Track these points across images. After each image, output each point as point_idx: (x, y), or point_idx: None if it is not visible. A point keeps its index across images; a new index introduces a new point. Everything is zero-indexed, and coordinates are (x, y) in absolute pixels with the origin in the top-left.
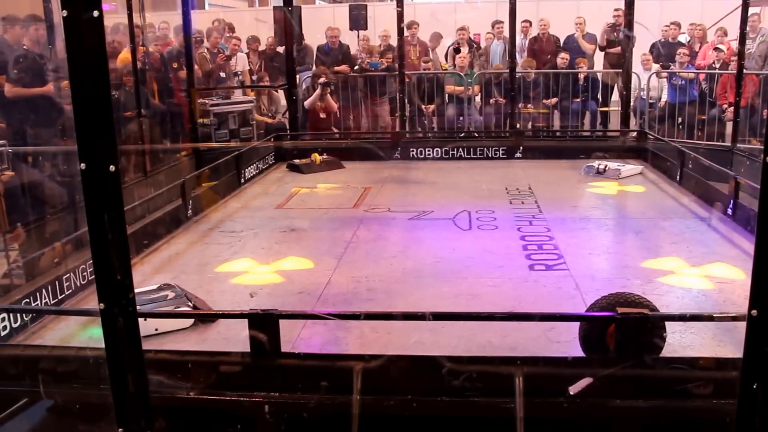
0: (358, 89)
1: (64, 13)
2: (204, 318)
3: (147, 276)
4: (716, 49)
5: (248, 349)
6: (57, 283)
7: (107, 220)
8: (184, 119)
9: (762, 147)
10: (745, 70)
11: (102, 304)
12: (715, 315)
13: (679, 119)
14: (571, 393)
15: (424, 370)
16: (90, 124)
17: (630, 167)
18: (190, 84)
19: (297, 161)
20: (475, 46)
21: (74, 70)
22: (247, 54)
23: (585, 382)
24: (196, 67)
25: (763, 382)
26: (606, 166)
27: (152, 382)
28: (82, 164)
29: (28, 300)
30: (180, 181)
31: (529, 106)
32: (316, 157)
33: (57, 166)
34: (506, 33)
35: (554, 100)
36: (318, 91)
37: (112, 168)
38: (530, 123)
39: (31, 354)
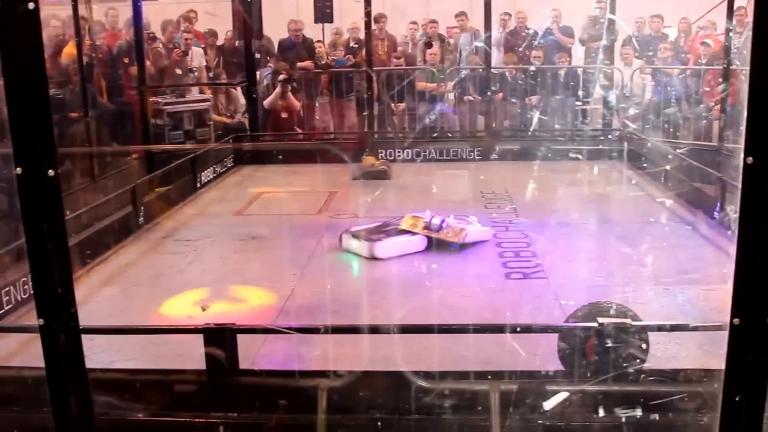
0: (321, 87)
1: None
2: (157, 333)
3: (94, 288)
4: (703, 43)
5: (204, 367)
6: None
7: (46, 229)
8: (135, 119)
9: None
10: (732, 66)
11: (41, 320)
12: (698, 324)
13: (664, 117)
14: (548, 408)
15: (393, 386)
16: (26, 126)
17: (478, 229)
18: (142, 81)
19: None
20: (446, 40)
21: (8, 68)
22: (204, 49)
23: (562, 396)
24: (148, 63)
25: (747, 394)
26: (443, 223)
27: (99, 404)
28: (18, 169)
29: None
30: (130, 186)
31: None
32: (371, 161)
33: None
34: (473, 24)
35: (535, 98)
36: (278, 88)
37: (51, 172)
38: (507, 122)
39: None
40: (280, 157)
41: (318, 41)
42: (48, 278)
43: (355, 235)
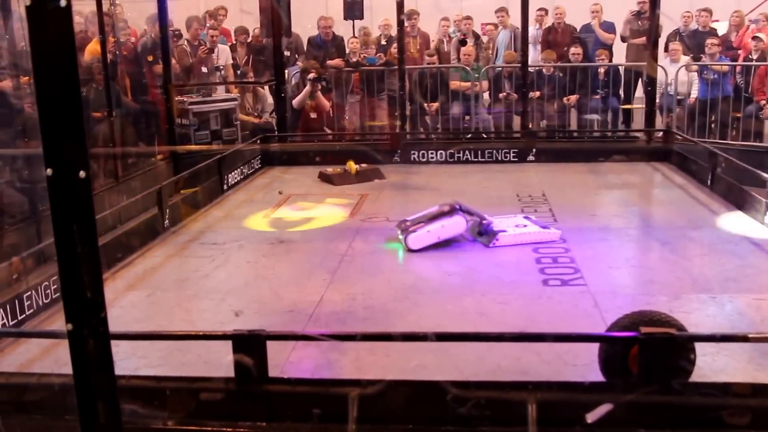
0: (352, 86)
1: (27, 1)
2: (184, 339)
3: (119, 293)
4: (755, 38)
5: (232, 374)
6: (16, 302)
7: (76, 232)
8: (160, 119)
9: None
10: None
11: (70, 325)
12: (750, 335)
13: (711, 117)
14: (589, 421)
15: (427, 396)
16: (58, 126)
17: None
18: (167, 80)
19: (329, 170)
20: (480, 37)
21: (39, 66)
22: (233, 46)
23: (604, 409)
24: (173, 61)
25: None
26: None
27: (125, 412)
28: (48, 170)
29: None
30: (156, 188)
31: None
32: (352, 166)
33: (16, 171)
34: (512, 21)
35: (574, 98)
36: (307, 87)
37: (82, 174)
38: (544, 122)
39: None
40: (318, 159)
41: (354, 37)
42: (77, 282)
43: (401, 228)
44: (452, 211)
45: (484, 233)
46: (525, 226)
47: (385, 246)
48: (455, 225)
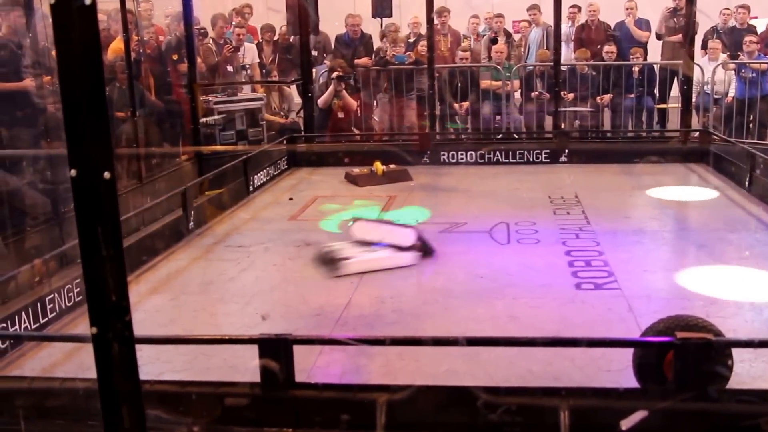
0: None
1: None
2: (209, 343)
3: (142, 296)
4: None
5: (258, 379)
6: (38, 305)
7: (101, 234)
8: (184, 119)
9: None
10: None
11: (94, 329)
12: None
13: (749, 117)
14: (624, 429)
15: (457, 402)
16: (82, 126)
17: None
18: (192, 79)
19: (355, 171)
20: (512, 35)
21: (64, 65)
22: (259, 45)
23: (639, 416)
24: (198, 60)
25: None
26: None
27: (149, 417)
28: (72, 171)
29: (4, 325)
30: (180, 189)
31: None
32: (378, 167)
33: (38, 172)
34: (545, 19)
35: (607, 97)
36: (332, 87)
37: (107, 175)
38: (577, 122)
39: (8, 386)
40: (347, 160)
41: (382, 34)
42: (102, 285)
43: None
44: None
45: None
46: (378, 250)
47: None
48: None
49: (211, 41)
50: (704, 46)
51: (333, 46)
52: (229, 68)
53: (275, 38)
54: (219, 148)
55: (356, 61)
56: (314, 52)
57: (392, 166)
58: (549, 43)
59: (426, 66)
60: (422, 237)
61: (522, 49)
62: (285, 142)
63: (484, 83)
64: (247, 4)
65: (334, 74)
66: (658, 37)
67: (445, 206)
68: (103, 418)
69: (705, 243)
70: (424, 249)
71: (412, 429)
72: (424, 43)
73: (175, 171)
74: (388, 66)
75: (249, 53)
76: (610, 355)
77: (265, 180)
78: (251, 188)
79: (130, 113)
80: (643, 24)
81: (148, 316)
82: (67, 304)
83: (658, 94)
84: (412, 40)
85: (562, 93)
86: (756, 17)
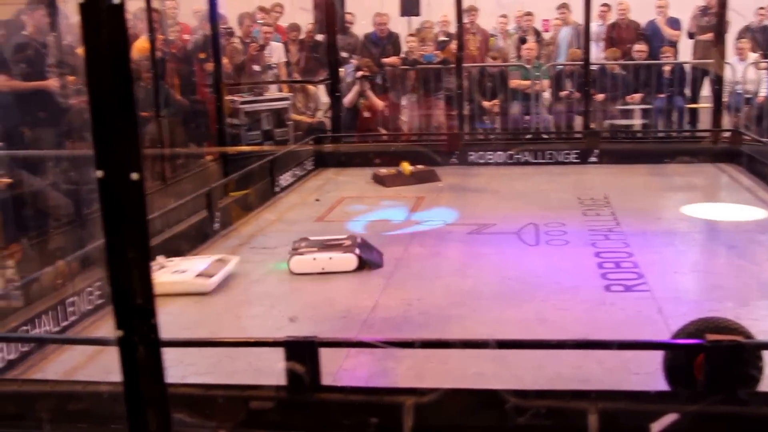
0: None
1: None
2: (235, 346)
3: (166, 298)
4: None
5: (284, 382)
6: (60, 307)
7: (128, 236)
8: (209, 119)
9: None
10: None
11: (120, 332)
12: None
13: None
14: None
15: (485, 405)
16: (110, 127)
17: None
18: (218, 78)
19: (383, 171)
20: (541, 34)
21: (92, 65)
22: (286, 44)
23: (669, 419)
24: (225, 59)
25: None
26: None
27: (173, 421)
28: (99, 172)
29: (26, 327)
30: (205, 190)
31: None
32: (406, 168)
33: (61, 172)
34: (574, 18)
35: (638, 96)
36: (356, 86)
37: (134, 176)
38: (607, 122)
39: (31, 390)
40: (378, 161)
41: (411, 35)
42: (128, 288)
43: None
44: (349, 247)
45: None
46: (184, 272)
47: (273, 266)
48: (345, 262)
49: (237, 40)
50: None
51: (361, 45)
52: (256, 67)
53: (301, 37)
54: (245, 148)
55: (384, 60)
56: (344, 54)
57: (420, 166)
58: (579, 42)
59: (454, 65)
60: (365, 253)
61: (552, 48)
62: (311, 142)
63: (513, 82)
64: (278, 3)
65: (359, 74)
66: (690, 35)
67: (473, 207)
68: (128, 422)
69: (735, 244)
70: (367, 264)
71: None
72: (454, 42)
73: (200, 171)
74: (416, 65)
75: (276, 52)
76: (639, 357)
77: (291, 181)
78: (277, 189)
79: (154, 113)
80: (674, 23)
81: (173, 318)
82: (88, 308)
83: (689, 94)
84: (441, 39)
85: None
86: None
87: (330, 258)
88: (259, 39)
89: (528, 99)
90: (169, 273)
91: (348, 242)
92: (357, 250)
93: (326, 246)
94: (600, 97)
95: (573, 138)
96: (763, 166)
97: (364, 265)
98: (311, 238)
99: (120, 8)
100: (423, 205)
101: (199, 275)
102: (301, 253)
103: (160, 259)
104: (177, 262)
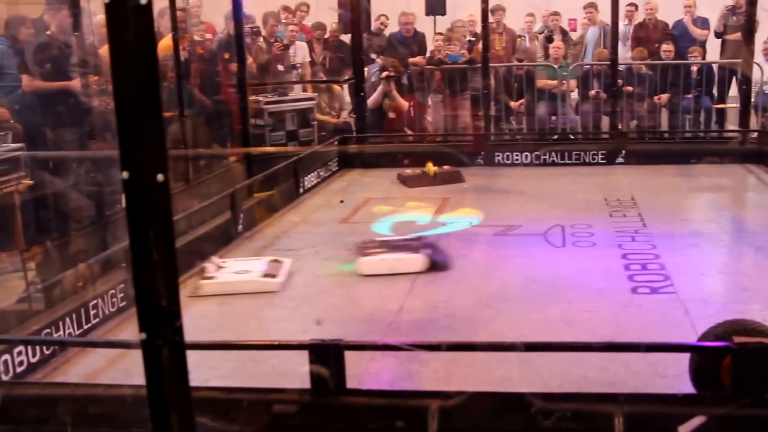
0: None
1: None
2: (259, 349)
3: (189, 301)
4: None
5: (308, 386)
6: (82, 310)
7: (153, 238)
8: (233, 119)
9: None
10: None
11: (144, 334)
12: None
13: None
14: None
15: (511, 408)
16: (136, 128)
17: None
18: (242, 78)
19: (407, 172)
20: (568, 34)
21: (118, 66)
22: (310, 43)
23: (696, 422)
24: (250, 59)
25: None
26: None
27: (196, 424)
28: (124, 173)
29: (48, 330)
30: (229, 191)
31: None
32: (431, 168)
33: (83, 174)
34: (602, 18)
35: (665, 97)
36: (380, 87)
37: (160, 177)
38: (634, 123)
39: (53, 393)
40: (406, 162)
41: (437, 34)
42: (153, 290)
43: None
44: (417, 248)
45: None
46: (247, 272)
47: (340, 268)
48: (413, 262)
49: (261, 40)
50: None
51: (386, 45)
52: (280, 67)
53: (326, 36)
54: (269, 149)
55: (410, 60)
56: (373, 56)
57: (446, 167)
58: (606, 42)
59: (480, 65)
60: (435, 255)
61: (580, 47)
62: (336, 143)
63: (540, 82)
64: (303, 2)
65: (384, 74)
66: (717, 35)
67: (500, 208)
68: (152, 425)
69: (763, 245)
70: (437, 266)
71: None
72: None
73: (224, 172)
74: (442, 65)
75: (300, 52)
76: (666, 360)
77: (315, 182)
78: (301, 190)
79: (178, 113)
80: (702, 22)
81: (196, 321)
82: (111, 310)
83: (716, 94)
84: (468, 39)
85: (623, 87)
86: None
87: (399, 259)
88: (283, 39)
89: (555, 99)
90: (231, 273)
91: (416, 243)
92: (426, 251)
93: (394, 247)
94: (629, 88)
95: (600, 138)
96: None
97: (433, 266)
98: (377, 238)
99: (147, 9)
100: (449, 206)
101: (266, 275)
102: (369, 255)
103: (215, 260)
104: (232, 263)
